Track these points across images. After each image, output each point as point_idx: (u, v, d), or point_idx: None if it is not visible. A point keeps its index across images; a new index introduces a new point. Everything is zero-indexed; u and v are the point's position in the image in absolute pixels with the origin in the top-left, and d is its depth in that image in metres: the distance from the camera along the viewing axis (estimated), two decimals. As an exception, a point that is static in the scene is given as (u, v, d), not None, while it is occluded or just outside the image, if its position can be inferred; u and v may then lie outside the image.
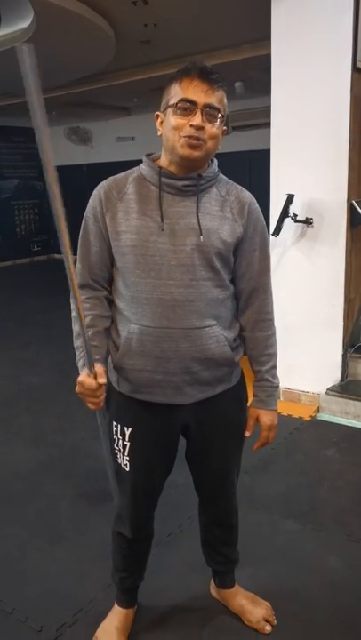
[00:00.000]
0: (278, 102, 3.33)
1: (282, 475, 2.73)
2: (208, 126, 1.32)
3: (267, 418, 1.59)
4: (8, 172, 9.97)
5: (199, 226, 1.37)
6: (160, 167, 1.39)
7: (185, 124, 1.31)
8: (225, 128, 1.38)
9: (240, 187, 1.49)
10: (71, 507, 2.50)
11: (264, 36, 3.47)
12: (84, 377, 1.36)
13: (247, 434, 1.60)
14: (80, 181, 8.19)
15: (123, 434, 1.51)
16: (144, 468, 1.54)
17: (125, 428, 1.50)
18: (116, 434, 1.53)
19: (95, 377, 1.34)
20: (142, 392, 1.46)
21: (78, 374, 1.39)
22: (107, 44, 4.76)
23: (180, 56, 5.40)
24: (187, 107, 1.30)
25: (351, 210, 3.24)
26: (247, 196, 1.48)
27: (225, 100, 1.36)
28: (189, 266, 1.37)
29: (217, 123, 1.34)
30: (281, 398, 3.56)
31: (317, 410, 3.44)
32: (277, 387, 1.59)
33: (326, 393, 3.41)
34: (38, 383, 4.08)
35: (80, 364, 1.42)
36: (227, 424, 1.57)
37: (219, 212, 1.41)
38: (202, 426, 1.53)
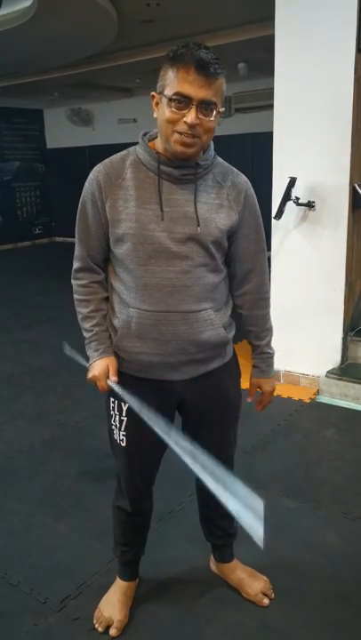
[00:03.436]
0: (281, 84, 3.32)
1: (281, 454, 2.78)
2: (204, 120, 1.30)
3: (268, 385, 1.70)
4: (9, 154, 9.91)
5: (197, 215, 1.39)
6: (158, 153, 1.39)
7: (179, 119, 1.30)
8: (222, 110, 1.35)
9: (235, 170, 1.50)
10: (74, 484, 2.55)
11: (268, 16, 3.44)
12: (101, 375, 1.47)
13: (249, 399, 1.70)
14: (82, 164, 8.16)
15: (120, 409, 1.56)
16: (140, 444, 1.58)
17: (122, 404, 1.55)
18: (113, 410, 1.58)
19: (109, 376, 1.48)
20: (140, 371, 1.51)
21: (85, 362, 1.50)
22: (109, 24, 4.71)
23: (182, 36, 5.33)
24: (182, 101, 1.28)
25: (353, 193, 3.24)
26: (243, 181, 1.49)
27: (224, 87, 1.33)
28: (187, 252, 1.40)
29: (213, 116, 1.32)
30: (281, 381, 3.60)
31: (317, 392, 3.48)
32: (273, 355, 1.71)
33: (326, 376, 3.44)
34: (40, 364, 4.13)
35: (92, 349, 1.50)
36: (222, 398, 1.61)
37: (215, 199, 1.43)
38: (198, 400, 1.58)
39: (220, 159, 1.48)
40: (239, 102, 7.62)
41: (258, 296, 1.59)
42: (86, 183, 1.46)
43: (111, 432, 1.62)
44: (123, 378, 1.53)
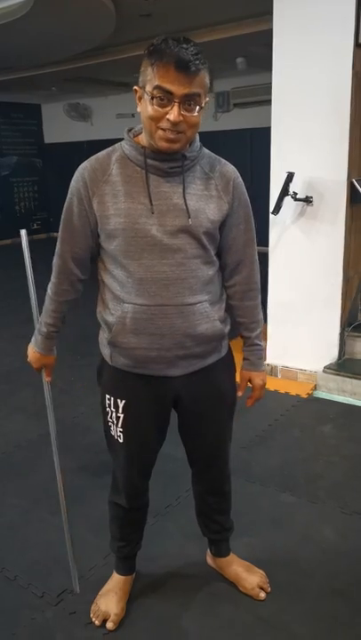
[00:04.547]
0: (279, 79, 3.31)
1: (279, 449, 2.78)
2: (187, 116, 1.29)
3: (259, 378, 1.67)
4: (7, 149, 9.88)
5: (187, 207, 1.38)
6: (143, 147, 1.38)
7: (162, 116, 1.28)
8: (207, 100, 1.33)
9: (223, 160, 1.49)
10: (72, 479, 2.55)
11: (266, 11, 3.43)
12: (35, 366, 1.68)
13: (240, 393, 1.68)
14: (80, 159, 8.02)
15: (116, 406, 1.55)
16: (137, 439, 1.58)
17: (119, 401, 1.54)
18: (109, 406, 1.57)
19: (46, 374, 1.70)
20: (136, 367, 1.51)
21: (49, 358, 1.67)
22: (107, 18, 4.69)
23: (181, 30, 5.32)
24: (163, 96, 1.26)
25: (351, 188, 3.23)
26: (231, 170, 1.48)
27: (207, 80, 1.30)
28: (180, 245, 1.40)
29: (196, 111, 1.30)
30: (279, 376, 3.60)
31: (315, 387, 3.48)
32: (263, 349, 1.69)
33: (324, 371, 3.45)
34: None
35: (37, 340, 1.64)
36: (218, 393, 1.61)
37: (204, 190, 1.42)
38: (194, 396, 1.57)
39: (206, 150, 1.47)
40: (237, 97, 7.60)
41: (247, 287, 1.58)
42: (72, 181, 1.45)
43: (108, 429, 1.62)
44: (119, 375, 1.53)
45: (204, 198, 1.42)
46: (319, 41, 3.11)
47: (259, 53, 5.60)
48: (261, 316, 1.66)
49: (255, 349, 1.65)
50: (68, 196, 1.46)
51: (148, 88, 1.27)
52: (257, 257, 1.59)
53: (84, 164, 1.44)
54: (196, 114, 1.30)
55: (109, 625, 1.71)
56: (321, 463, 2.65)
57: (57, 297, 1.56)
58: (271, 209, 3.34)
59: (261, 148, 4.17)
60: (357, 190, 3.22)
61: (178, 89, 1.25)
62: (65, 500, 1.83)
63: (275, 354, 3.60)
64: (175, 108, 1.26)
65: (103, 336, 1.55)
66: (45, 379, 1.72)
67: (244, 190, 1.52)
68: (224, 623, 1.74)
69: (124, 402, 1.54)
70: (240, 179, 1.50)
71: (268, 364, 3.64)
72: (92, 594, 1.82)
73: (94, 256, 1.52)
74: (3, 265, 8.14)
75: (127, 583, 1.82)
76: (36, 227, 10.36)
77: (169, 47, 1.23)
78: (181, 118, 1.28)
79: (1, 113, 9.65)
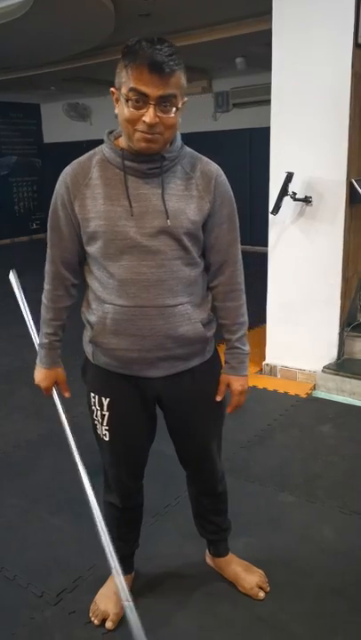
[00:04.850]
0: (279, 79, 3.31)
1: (278, 449, 2.78)
2: (163, 118, 1.28)
3: (238, 384, 1.60)
4: (6, 149, 9.88)
5: (165, 208, 1.38)
6: (122, 149, 1.38)
7: (138, 119, 1.28)
8: (186, 100, 1.33)
9: (205, 159, 1.48)
10: (70, 478, 2.54)
11: (266, 11, 3.43)
12: (46, 386, 1.64)
13: (218, 398, 1.61)
14: (79, 158, 8.11)
15: (101, 404, 1.56)
16: (123, 437, 1.59)
17: (103, 399, 1.55)
18: (95, 404, 1.58)
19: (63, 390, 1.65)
20: (117, 367, 1.50)
21: (40, 364, 1.63)
22: (106, 18, 4.69)
23: (180, 30, 5.32)
24: (138, 98, 1.26)
25: (350, 188, 3.24)
26: (213, 169, 1.46)
27: (182, 80, 1.29)
28: (159, 246, 1.39)
29: (173, 112, 1.29)
30: (278, 376, 3.60)
31: (314, 387, 3.48)
32: (248, 354, 1.61)
33: (323, 371, 3.45)
34: (38, 360, 4.12)
35: (41, 355, 1.61)
36: (203, 395, 1.59)
37: (184, 190, 1.41)
38: (174, 399, 1.57)
39: (188, 149, 1.46)
40: (237, 97, 7.60)
41: (229, 287, 1.55)
42: (56, 186, 1.46)
43: (94, 427, 1.62)
44: (103, 373, 1.53)
45: (185, 198, 1.41)
46: (319, 41, 3.11)
47: (258, 53, 5.60)
48: (246, 318, 1.60)
49: (236, 353, 1.59)
50: (52, 200, 1.47)
51: (124, 90, 1.28)
52: (241, 257, 1.56)
53: (67, 169, 1.45)
54: (172, 115, 1.30)
55: (108, 624, 1.72)
56: (320, 463, 2.65)
57: (53, 304, 1.56)
58: (270, 209, 3.35)
59: (261, 148, 4.17)
60: (356, 190, 3.23)
61: (152, 90, 1.25)
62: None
63: (274, 354, 3.60)
64: (151, 110, 1.26)
65: (86, 334, 1.55)
66: (65, 395, 1.66)
67: (228, 189, 1.49)
68: (223, 623, 1.74)
69: (108, 400, 1.54)
70: (223, 177, 1.48)
71: (267, 364, 3.65)
72: (92, 594, 1.82)
73: (82, 260, 1.52)
74: (2, 265, 8.15)
75: (126, 583, 1.82)
76: (35, 226, 10.34)
77: (142, 49, 1.23)
78: (157, 120, 1.27)
79: (0, 113, 9.65)
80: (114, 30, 5.09)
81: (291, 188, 3.27)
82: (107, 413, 1.56)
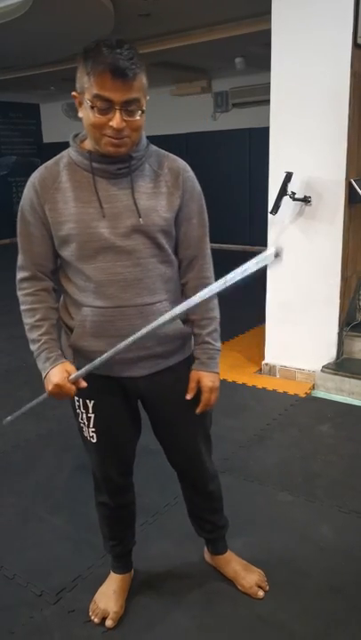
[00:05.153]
0: (278, 79, 3.31)
1: (277, 448, 2.79)
2: (129, 121, 1.29)
3: (208, 380, 1.55)
4: (5, 149, 9.88)
5: (136, 207, 1.38)
6: (89, 152, 1.38)
7: (105, 124, 1.28)
8: (147, 98, 1.34)
9: (172, 156, 1.49)
10: (69, 478, 2.56)
11: (265, 11, 3.43)
12: (63, 381, 1.41)
13: (188, 397, 1.55)
14: (78, 158, 8.11)
15: (86, 407, 1.56)
16: (110, 438, 1.59)
17: (88, 401, 1.55)
18: (79, 407, 1.58)
19: (75, 383, 1.42)
20: (99, 369, 1.45)
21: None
22: (105, 18, 4.69)
23: (180, 30, 5.33)
24: (103, 105, 1.26)
25: (350, 188, 3.24)
26: (180, 165, 1.47)
27: (144, 81, 1.30)
28: (134, 246, 1.40)
29: (139, 114, 1.30)
30: (277, 375, 3.61)
31: (313, 387, 3.49)
32: (219, 350, 1.57)
33: (322, 370, 3.45)
34: (37, 359, 4.12)
35: (43, 359, 1.45)
36: (182, 394, 1.56)
37: (153, 188, 1.42)
38: (156, 397, 1.57)
39: (154, 147, 1.47)
40: (236, 97, 7.60)
41: (199, 281, 1.52)
42: (24, 192, 1.45)
43: (80, 430, 1.63)
44: (85, 376, 1.49)
45: (155, 196, 1.41)
46: (318, 41, 3.11)
47: (257, 53, 5.61)
48: (216, 314, 1.56)
49: (206, 348, 1.55)
50: (20, 207, 1.46)
51: (88, 96, 1.28)
52: (210, 252, 1.55)
53: (34, 174, 1.45)
54: (138, 118, 1.31)
55: (108, 623, 1.72)
56: (319, 462, 2.65)
57: (39, 304, 1.48)
58: (270, 209, 3.35)
59: (260, 147, 4.18)
60: (356, 190, 3.23)
61: (117, 96, 1.25)
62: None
63: (273, 353, 3.60)
64: (117, 115, 1.27)
65: (65, 339, 1.53)
66: (82, 385, 1.45)
67: (196, 185, 1.50)
68: (222, 621, 1.74)
69: (93, 402, 1.55)
70: (191, 173, 1.49)
71: (266, 364, 3.65)
72: (91, 592, 1.82)
73: (56, 267, 1.50)
74: (1, 265, 8.15)
75: (125, 581, 1.82)
76: (34, 226, 10.34)
77: (103, 54, 1.23)
78: (124, 124, 1.28)
79: (0, 112, 9.64)
80: (113, 30, 5.09)
81: (290, 188, 3.27)
82: (92, 415, 1.56)
